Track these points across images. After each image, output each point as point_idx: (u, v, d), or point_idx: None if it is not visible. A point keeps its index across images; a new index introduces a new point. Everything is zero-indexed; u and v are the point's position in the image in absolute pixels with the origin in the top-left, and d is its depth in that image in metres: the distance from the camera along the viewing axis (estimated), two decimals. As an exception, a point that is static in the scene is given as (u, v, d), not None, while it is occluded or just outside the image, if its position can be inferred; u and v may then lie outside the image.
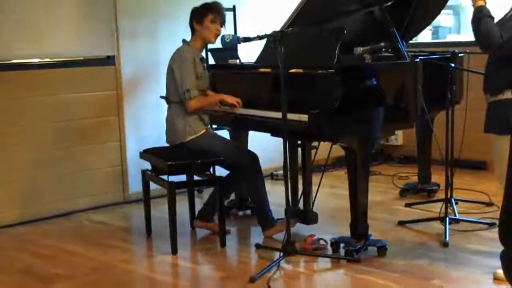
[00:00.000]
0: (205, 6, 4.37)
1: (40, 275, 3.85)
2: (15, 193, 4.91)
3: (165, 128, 4.43)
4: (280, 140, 3.91)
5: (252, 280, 3.58)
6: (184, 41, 4.40)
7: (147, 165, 4.49)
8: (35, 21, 4.91)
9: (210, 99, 4.37)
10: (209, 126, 4.46)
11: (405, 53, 4.15)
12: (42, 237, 4.59)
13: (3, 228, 4.77)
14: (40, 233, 4.68)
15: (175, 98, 4.33)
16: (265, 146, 4.68)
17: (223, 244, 4.19)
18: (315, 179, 4.53)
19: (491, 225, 4.33)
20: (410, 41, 5.13)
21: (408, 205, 5.00)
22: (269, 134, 4.36)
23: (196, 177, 4.44)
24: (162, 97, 4.54)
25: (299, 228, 4.39)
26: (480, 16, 3.51)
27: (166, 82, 4.41)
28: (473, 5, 3.57)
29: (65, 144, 5.13)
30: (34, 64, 4.99)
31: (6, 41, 4.79)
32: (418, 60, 4.09)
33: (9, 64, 4.88)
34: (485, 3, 3.55)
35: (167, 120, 4.41)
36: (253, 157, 4.31)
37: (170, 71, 4.34)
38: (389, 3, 4.34)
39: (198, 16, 4.34)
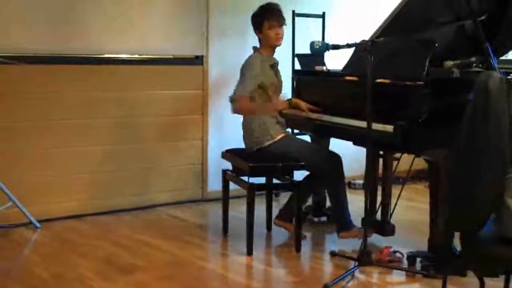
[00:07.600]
0: (260, 14, 4.32)
1: (118, 264, 3.96)
2: (100, 183, 5.07)
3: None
4: (359, 149, 3.89)
5: (326, 287, 3.58)
6: (255, 48, 4.42)
7: (228, 165, 4.55)
8: (128, 16, 5.04)
9: (262, 105, 4.34)
10: (289, 131, 4.46)
11: (497, 69, 4.05)
12: (123, 227, 4.73)
13: (87, 216, 4.95)
14: (121, 224, 4.83)
15: None
16: (344, 154, 4.64)
17: (298, 249, 4.21)
18: (394, 190, 4.48)
19: None
20: (501, 57, 5.00)
21: (488, 224, 4.87)
22: (349, 143, 4.33)
23: (274, 180, 4.46)
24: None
25: (375, 239, 4.36)
26: None
27: None
28: None
29: (149, 139, 5.26)
30: (124, 59, 5.09)
31: (99, 35, 4.93)
32: (510, 77, 3.98)
33: (101, 58, 4.99)
34: None
35: (243, 126, 4.44)
36: (336, 160, 4.31)
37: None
38: (483, 17, 4.25)
39: (255, 25, 4.33)
